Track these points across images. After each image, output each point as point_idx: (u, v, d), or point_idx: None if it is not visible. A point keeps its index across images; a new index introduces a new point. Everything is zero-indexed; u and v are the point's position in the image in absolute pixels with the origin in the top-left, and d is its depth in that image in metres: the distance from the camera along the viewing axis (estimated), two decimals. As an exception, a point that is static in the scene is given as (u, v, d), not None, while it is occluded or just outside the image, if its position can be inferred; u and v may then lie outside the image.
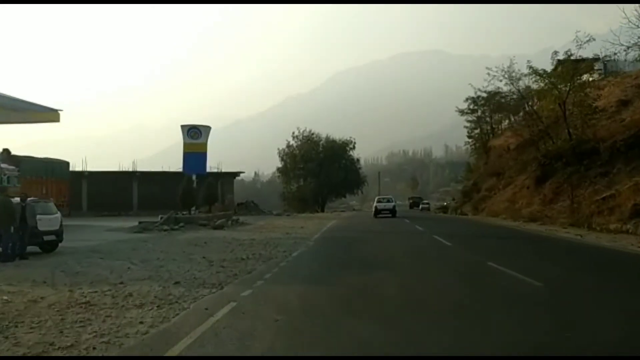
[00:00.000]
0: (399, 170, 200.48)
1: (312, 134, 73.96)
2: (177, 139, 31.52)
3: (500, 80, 38.18)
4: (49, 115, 31.65)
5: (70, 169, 42.67)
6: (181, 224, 25.99)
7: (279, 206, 68.91)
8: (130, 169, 45.86)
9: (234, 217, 32.34)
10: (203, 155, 29.37)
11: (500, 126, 63.41)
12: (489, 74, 38.38)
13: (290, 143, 73.16)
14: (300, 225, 29.18)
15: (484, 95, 60.58)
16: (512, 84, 38.00)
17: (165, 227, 25.32)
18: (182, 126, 29.30)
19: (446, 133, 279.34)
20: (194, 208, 28.75)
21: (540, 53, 38.54)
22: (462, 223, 32.63)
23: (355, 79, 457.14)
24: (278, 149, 73.77)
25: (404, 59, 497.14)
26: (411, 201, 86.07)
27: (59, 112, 32.32)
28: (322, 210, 66.95)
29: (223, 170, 46.27)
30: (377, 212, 41.43)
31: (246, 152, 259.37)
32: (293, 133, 73.47)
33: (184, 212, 28.04)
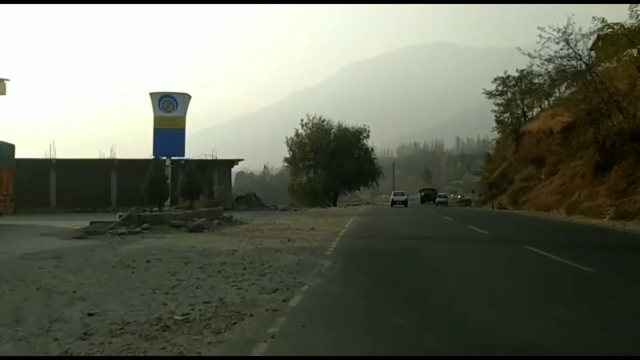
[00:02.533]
0: (410, 162, 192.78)
1: (323, 121, 66.65)
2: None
3: (557, 43, 30.08)
4: (-8, 84, 24.67)
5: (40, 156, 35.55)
6: (145, 225, 18.49)
7: (288, 200, 61.55)
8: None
9: (226, 214, 24.87)
10: (179, 133, 21.79)
11: (532, 110, 55.66)
12: (541, 35, 30.40)
13: (299, 132, 65.94)
14: (309, 224, 21.56)
15: (516, 74, 53.30)
16: (571, 46, 29.96)
17: (123, 229, 17.83)
18: (152, 94, 21.70)
19: (456, 125, 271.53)
20: (168, 202, 21.25)
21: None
22: (522, 222, 24.75)
23: (364, 72, 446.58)
24: (286, 137, 66.62)
25: (413, 51, 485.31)
26: (423, 194, 71.87)
27: (5, 82, 25.28)
28: (335, 205, 59.41)
29: (218, 157, 38.42)
30: (393, 203, 50.55)
31: (254, 146, 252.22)
32: (302, 121, 66.29)
33: (154, 209, 20.52)
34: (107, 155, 36.85)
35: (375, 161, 68.38)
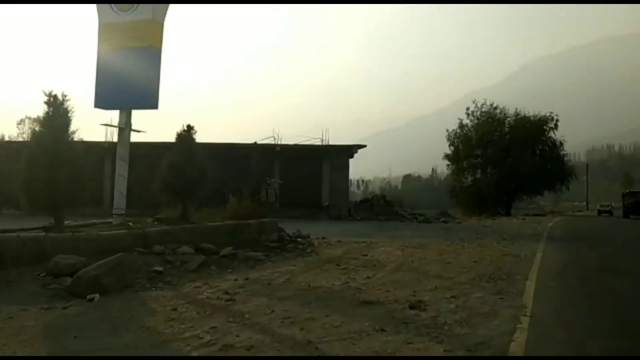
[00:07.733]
0: (602, 167, 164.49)
1: (495, 108, 51.22)
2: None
3: None
4: None
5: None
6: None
7: (448, 205, 47.75)
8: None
9: (290, 235, 12.52)
10: (148, 56, 9.82)
11: None
12: None
13: (464, 122, 51.23)
14: (428, 275, 8.23)
15: None
16: None
17: None
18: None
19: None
20: (121, 210, 9.54)
21: None
22: None
23: (547, 69, 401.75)
24: (447, 130, 52.32)
25: (606, 44, 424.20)
26: (632, 201, 42.17)
27: None
28: (508, 214, 43.85)
29: (330, 142, 25.68)
30: (600, 212, 54.05)
31: (425, 149, 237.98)
32: (467, 109, 51.51)
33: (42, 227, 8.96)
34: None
35: (565, 159, 51.01)
